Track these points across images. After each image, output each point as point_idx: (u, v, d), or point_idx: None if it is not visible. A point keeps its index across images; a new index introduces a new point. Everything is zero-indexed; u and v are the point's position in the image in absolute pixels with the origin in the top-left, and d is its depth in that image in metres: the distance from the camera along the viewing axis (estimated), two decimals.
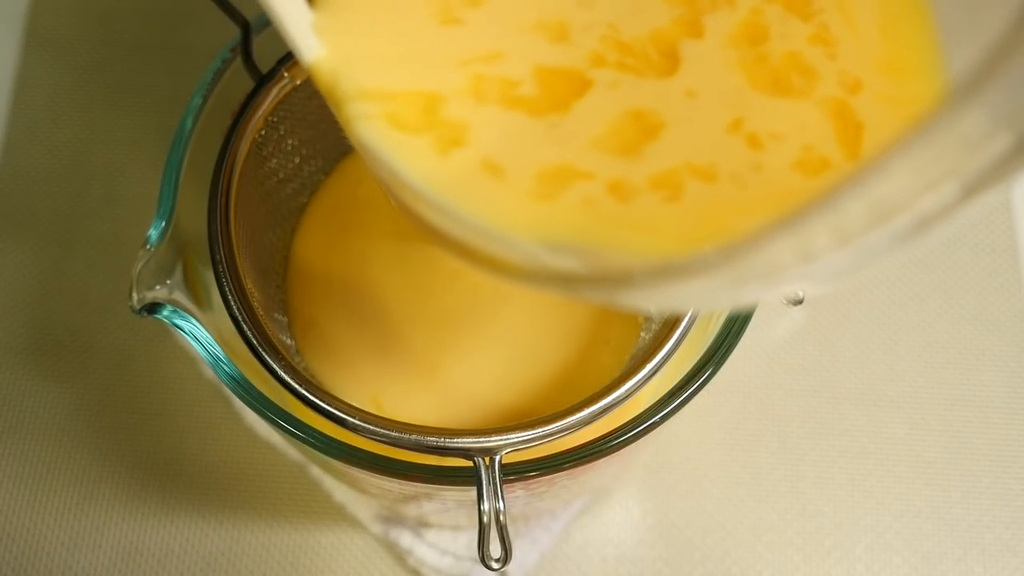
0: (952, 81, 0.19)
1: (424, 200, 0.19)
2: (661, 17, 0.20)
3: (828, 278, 0.15)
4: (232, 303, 0.26)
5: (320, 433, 0.25)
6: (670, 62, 0.20)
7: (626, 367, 0.28)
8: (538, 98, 0.19)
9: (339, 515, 0.38)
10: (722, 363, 0.25)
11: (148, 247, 0.26)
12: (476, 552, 0.25)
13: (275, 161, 0.31)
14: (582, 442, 0.25)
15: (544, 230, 0.18)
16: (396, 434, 0.25)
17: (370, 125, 0.19)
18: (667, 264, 0.15)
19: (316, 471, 0.38)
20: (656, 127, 0.19)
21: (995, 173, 0.13)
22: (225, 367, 0.25)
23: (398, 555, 0.38)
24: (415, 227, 0.21)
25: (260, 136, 0.29)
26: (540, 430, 0.25)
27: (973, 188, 0.13)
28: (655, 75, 0.19)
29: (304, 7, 0.20)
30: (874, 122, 0.19)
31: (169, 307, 0.25)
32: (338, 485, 0.38)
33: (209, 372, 0.40)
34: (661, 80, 0.19)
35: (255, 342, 0.26)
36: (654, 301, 0.17)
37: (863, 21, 0.20)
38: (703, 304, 0.23)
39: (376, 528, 0.37)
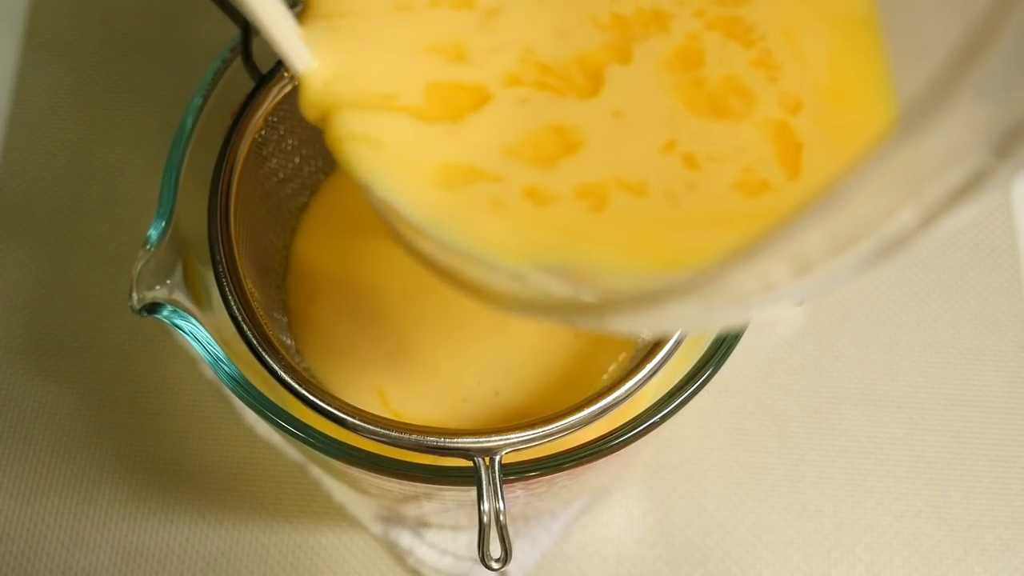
0: (902, 109, 0.20)
1: (410, 225, 0.19)
2: (589, 41, 0.21)
3: (800, 299, 0.15)
4: (232, 303, 0.26)
5: (320, 433, 0.25)
6: (594, 83, 0.20)
7: (626, 367, 0.28)
8: (428, 108, 0.20)
9: (339, 515, 0.38)
10: (722, 363, 0.25)
11: (148, 247, 0.26)
12: (476, 552, 0.25)
13: (275, 161, 0.31)
14: (582, 442, 0.25)
15: (454, 223, 0.18)
16: (396, 434, 0.25)
17: (353, 147, 0.19)
18: (628, 292, 0.16)
19: (316, 471, 0.38)
20: (577, 143, 0.19)
21: (954, 200, 0.13)
22: (225, 367, 0.25)
23: (398, 555, 0.38)
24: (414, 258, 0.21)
25: (260, 136, 0.29)
26: (540, 430, 0.25)
27: (934, 214, 0.13)
28: (577, 95, 0.20)
29: (292, 21, 0.20)
30: (814, 143, 0.19)
31: (169, 307, 0.25)
32: (338, 485, 0.38)
33: (209, 372, 0.40)
34: (584, 100, 0.20)
35: (255, 342, 0.26)
36: (625, 325, 0.17)
37: (811, 49, 0.20)
38: (680, 327, 0.24)
39: (376, 528, 0.37)
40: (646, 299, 0.15)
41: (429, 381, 0.32)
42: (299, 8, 0.28)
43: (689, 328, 0.24)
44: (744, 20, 0.20)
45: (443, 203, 0.19)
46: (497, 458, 0.24)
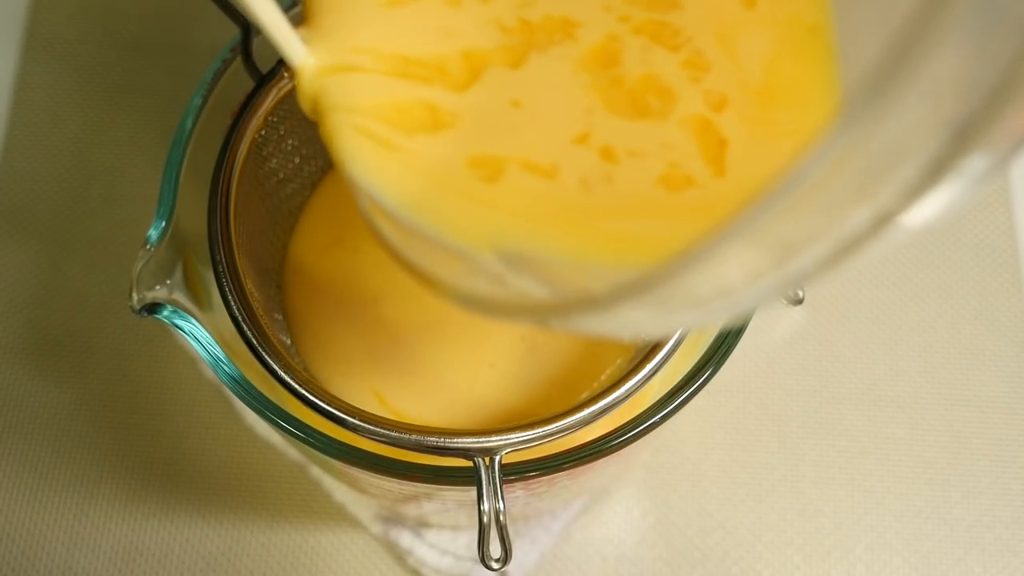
0: (846, 96, 0.20)
1: (393, 217, 0.19)
2: (482, 41, 0.21)
3: (768, 299, 0.15)
4: (232, 303, 0.26)
5: (320, 433, 0.25)
6: (469, 77, 0.21)
7: (626, 367, 0.28)
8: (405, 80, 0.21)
9: (339, 515, 0.38)
10: (722, 363, 0.25)
11: (148, 247, 0.26)
12: (476, 552, 0.25)
13: (275, 161, 0.31)
14: (582, 442, 0.25)
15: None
16: (396, 434, 0.25)
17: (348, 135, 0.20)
18: (583, 288, 0.16)
19: (316, 471, 0.38)
20: (445, 123, 0.20)
21: (910, 197, 0.12)
22: (225, 367, 0.25)
23: (398, 555, 0.38)
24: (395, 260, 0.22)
25: (260, 136, 0.29)
26: (540, 430, 0.25)
27: (889, 213, 0.12)
28: (445, 86, 0.21)
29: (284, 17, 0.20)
30: (738, 140, 0.19)
31: (169, 307, 0.25)
32: (338, 485, 0.38)
33: (209, 372, 0.40)
34: (456, 91, 0.21)
35: (255, 342, 0.26)
36: (593, 326, 0.17)
37: (747, 52, 0.20)
38: (644, 328, 0.24)
39: (376, 528, 0.37)
40: (599, 299, 0.15)
41: (427, 382, 0.32)
42: (298, 8, 0.28)
43: (654, 329, 0.24)
44: (671, 25, 0.21)
45: (418, 190, 0.19)
46: (497, 458, 0.24)
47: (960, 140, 0.11)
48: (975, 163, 0.11)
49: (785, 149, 0.19)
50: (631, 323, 0.17)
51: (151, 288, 0.25)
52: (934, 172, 0.11)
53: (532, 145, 0.20)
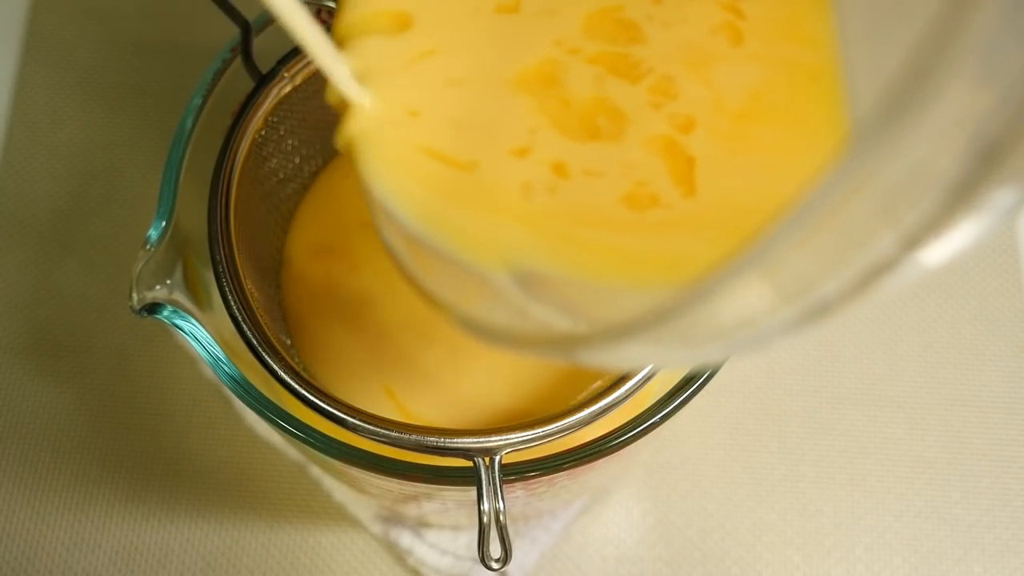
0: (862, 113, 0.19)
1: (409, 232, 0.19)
2: None
3: (795, 330, 0.14)
4: (232, 303, 0.26)
5: (320, 433, 0.25)
6: None
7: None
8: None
9: (339, 515, 0.38)
10: (722, 363, 0.25)
11: (148, 247, 0.26)
12: (476, 552, 0.25)
13: (275, 161, 0.31)
14: (582, 442, 0.25)
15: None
16: (396, 434, 0.25)
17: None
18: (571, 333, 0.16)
19: (316, 471, 0.38)
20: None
21: (937, 221, 0.11)
22: (225, 367, 0.25)
23: (398, 555, 0.38)
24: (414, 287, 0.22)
25: (260, 136, 0.29)
26: (540, 430, 0.25)
27: (916, 237, 0.12)
28: None
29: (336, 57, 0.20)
30: (707, 157, 0.19)
31: (169, 307, 0.25)
32: (338, 485, 0.38)
33: (209, 372, 0.40)
34: None
35: (255, 342, 0.26)
36: (614, 360, 0.17)
37: (729, 82, 0.20)
38: (672, 361, 0.23)
39: (376, 528, 0.37)
40: (608, 331, 0.15)
41: (427, 382, 0.32)
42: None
43: (684, 361, 0.24)
44: (631, 57, 0.21)
45: (428, 201, 0.19)
46: (497, 458, 0.24)
47: (987, 163, 0.11)
48: (1002, 191, 0.11)
49: (764, 163, 0.19)
50: (658, 356, 0.17)
51: (151, 288, 0.25)
52: (961, 194, 0.11)
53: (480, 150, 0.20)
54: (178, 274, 0.26)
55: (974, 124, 0.11)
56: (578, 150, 0.20)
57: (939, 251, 0.12)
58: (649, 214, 0.18)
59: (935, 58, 0.10)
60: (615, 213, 0.19)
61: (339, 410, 0.25)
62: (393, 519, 0.37)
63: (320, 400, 0.25)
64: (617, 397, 0.25)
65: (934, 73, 0.10)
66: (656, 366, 0.24)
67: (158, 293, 0.25)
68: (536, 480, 0.25)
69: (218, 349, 0.26)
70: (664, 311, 0.13)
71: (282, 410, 0.25)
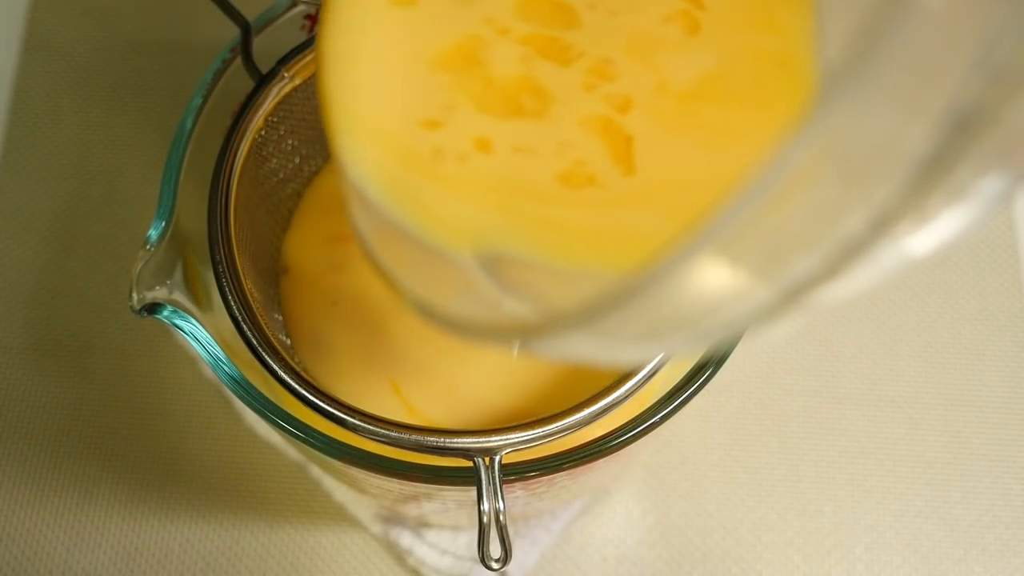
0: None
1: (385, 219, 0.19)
2: None
3: (767, 318, 0.13)
4: (232, 303, 0.26)
5: (320, 433, 0.25)
6: None
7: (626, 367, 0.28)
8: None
9: (339, 515, 0.38)
10: (722, 363, 0.25)
11: (148, 247, 0.26)
12: (476, 552, 0.25)
13: (275, 161, 0.31)
14: (582, 442, 0.25)
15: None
16: (396, 434, 0.25)
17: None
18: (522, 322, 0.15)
19: (316, 471, 0.38)
20: None
21: (910, 195, 0.10)
22: (225, 367, 0.25)
23: (398, 555, 0.38)
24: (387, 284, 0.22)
25: (260, 136, 0.29)
26: (540, 430, 0.25)
27: (886, 216, 0.10)
28: None
29: None
30: (646, 136, 0.19)
31: (169, 307, 0.25)
32: (338, 485, 0.38)
33: (209, 372, 0.40)
34: None
35: (255, 342, 0.26)
36: (576, 351, 0.15)
37: (677, 67, 0.20)
38: (634, 353, 0.21)
39: (376, 528, 0.37)
40: (562, 318, 0.14)
41: (426, 382, 0.32)
42: (298, 8, 0.28)
43: (648, 353, 0.23)
44: (561, 40, 0.20)
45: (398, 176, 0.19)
46: (497, 458, 0.24)
47: (961, 134, 0.10)
48: (987, 179, 0.10)
49: (715, 142, 0.18)
50: (620, 346, 0.15)
51: (151, 288, 0.25)
52: (934, 169, 0.10)
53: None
54: (178, 274, 0.26)
55: (949, 91, 0.10)
56: (504, 127, 0.19)
57: (921, 233, 0.11)
58: (587, 193, 0.18)
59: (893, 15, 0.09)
60: (552, 191, 0.18)
61: (339, 410, 0.25)
62: (393, 519, 0.37)
63: (320, 400, 0.25)
64: (617, 397, 0.25)
65: (896, 25, 0.09)
66: (619, 358, 0.23)
67: (158, 293, 0.25)
68: (536, 480, 0.25)
69: (218, 349, 0.26)
70: (615, 295, 0.12)
71: (282, 410, 0.25)
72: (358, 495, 0.36)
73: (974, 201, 0.10)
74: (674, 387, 0.25)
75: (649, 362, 0.25)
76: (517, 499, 0.28)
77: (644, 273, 0.11)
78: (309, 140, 0.32)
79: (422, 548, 0.37)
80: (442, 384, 0.32)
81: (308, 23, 0.29)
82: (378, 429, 0.25)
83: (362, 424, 0.25)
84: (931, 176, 0.10)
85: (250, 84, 0.28)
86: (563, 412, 0.25)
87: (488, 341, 0.17)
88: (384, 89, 0.20)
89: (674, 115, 0.19)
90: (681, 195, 0.18)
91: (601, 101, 0.19)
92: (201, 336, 0.26)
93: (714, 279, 0.11)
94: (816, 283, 0.11)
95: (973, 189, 0.10)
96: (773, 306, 0.12)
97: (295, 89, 0.29)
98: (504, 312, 0.17)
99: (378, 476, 0.25)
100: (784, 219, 0.11)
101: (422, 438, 0.24)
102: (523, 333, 0.15)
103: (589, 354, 0.15)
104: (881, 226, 0.10)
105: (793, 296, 0.12)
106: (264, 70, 0.28)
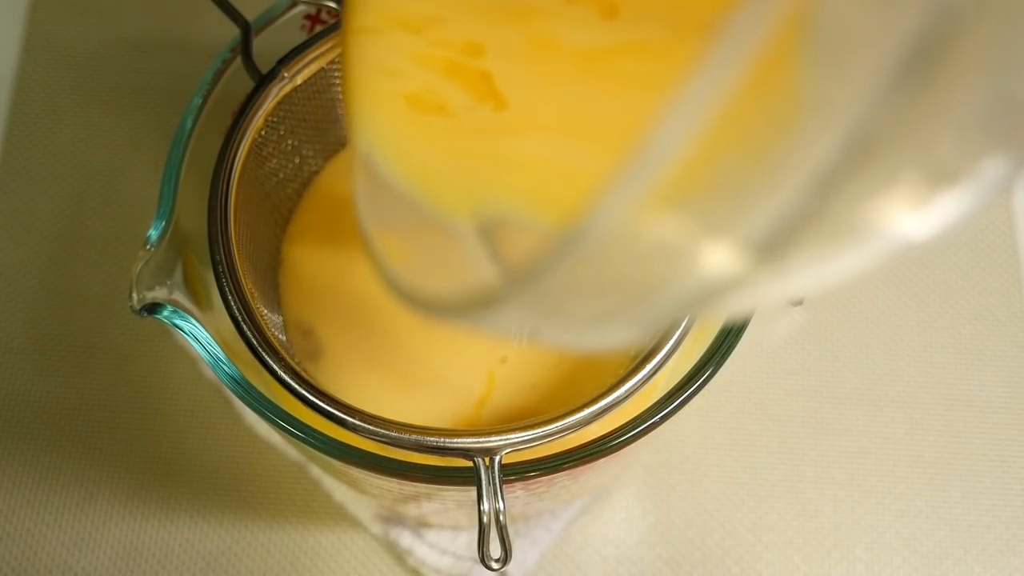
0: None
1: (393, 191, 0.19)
2: None
3: (728, 294, 0.11)
4: (232, 303, 0.26)
5: (320, 433, 0.25)
6: None
7: (626, 367, 0.28)
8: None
9: (339, 515, 0.38)
10: (722, 363, 0.25)
11: (148, 247, 0.26)
12: (476, 552, 0.25)
13: (275, 161, 0.31)
14: (582, 442, 0.25)
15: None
16: (396, 434, 0.25)
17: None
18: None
19: (316, 471, 0.38)
20: None
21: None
22: (225, 367, 0.25)
23: (398, 555, 0.38)
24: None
25: (260, 136, 0.29)
26: (540, 430, 0.25)
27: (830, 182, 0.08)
28: None
29: None
30: (502, 70, 0.19)
31: (169, 307, 0.25)
32: (338, 485, 0.38)
33: (209, 372, 0.40)
34: None
35: (255, 342, 0.26)
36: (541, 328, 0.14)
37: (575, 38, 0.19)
38: (610, 330, 0.19)
39: (376, 528, 0.37)
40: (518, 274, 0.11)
41: (427, 380, 0.32)
42: (298, 8, 0.28)
43: (625, 327, 0.23)
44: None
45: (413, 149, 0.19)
46: (497, 458, 0.24)
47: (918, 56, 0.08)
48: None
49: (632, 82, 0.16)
50: (579, 324, 0.13)
51: (151, 288, 0.25)
52: (921, 57, 0.08)
53: None
54: (178, 274, 0.26)
55: None
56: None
57: (920, 216, 0.09)
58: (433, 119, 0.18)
59: None
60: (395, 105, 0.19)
61: (339, 410, 0.25)
62: (393, 519, 0.37)
63: (320, 400, 0.25)
64: (617, 397, 0.25)
65: None
66: (586, 340, 0.21)
67: (158, 293, 0.25)
68: (536, 480, 0.25)
69: (218, 349, 0.26)
70: (551, 245, 0.09)
71: (282, 410, 0.25)
72: (358, 495, 0.36)
73: (975, 185, 0.09)
74: (674, 387, 0.25)
75: (638, 355, 0.25)
76: (517, 499, 0.28)
77: (572, 221, 0.09)
78: (309, 140, 0.32)
79: (422, 548, 0.37)
80: (442, 384, 0.32)
81: (308, 23, 0.29)
82: (378, 429, 0.25)
83: (362, 424, 0.25)
84: (917, 70, 0.08)
85: (250, 84, 0.28)
86: (563, 412, 0.25)
87: (459, 315, 0.16)
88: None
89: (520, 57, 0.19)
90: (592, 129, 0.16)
91: (460, 51, 0.20)
92: (201, 336, 0.26)
93: (658, 234, 0.09)
94: (790, 233, 0.09)
95: (973, 173, 0.09)
96: (743, 270, 0.09)
97: (295, 89, 0.29)
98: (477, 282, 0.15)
99: (378, 476, 0.25)
100: (734, 148, 0.08)
101: (422, 438, 0.24)
102: (486, 298, 0.13)
103: (554, 333, 0.13)
104: (858, 148, 0.08)
105: (766, 254, 0.09)
106: (264, 70, 0.28)
